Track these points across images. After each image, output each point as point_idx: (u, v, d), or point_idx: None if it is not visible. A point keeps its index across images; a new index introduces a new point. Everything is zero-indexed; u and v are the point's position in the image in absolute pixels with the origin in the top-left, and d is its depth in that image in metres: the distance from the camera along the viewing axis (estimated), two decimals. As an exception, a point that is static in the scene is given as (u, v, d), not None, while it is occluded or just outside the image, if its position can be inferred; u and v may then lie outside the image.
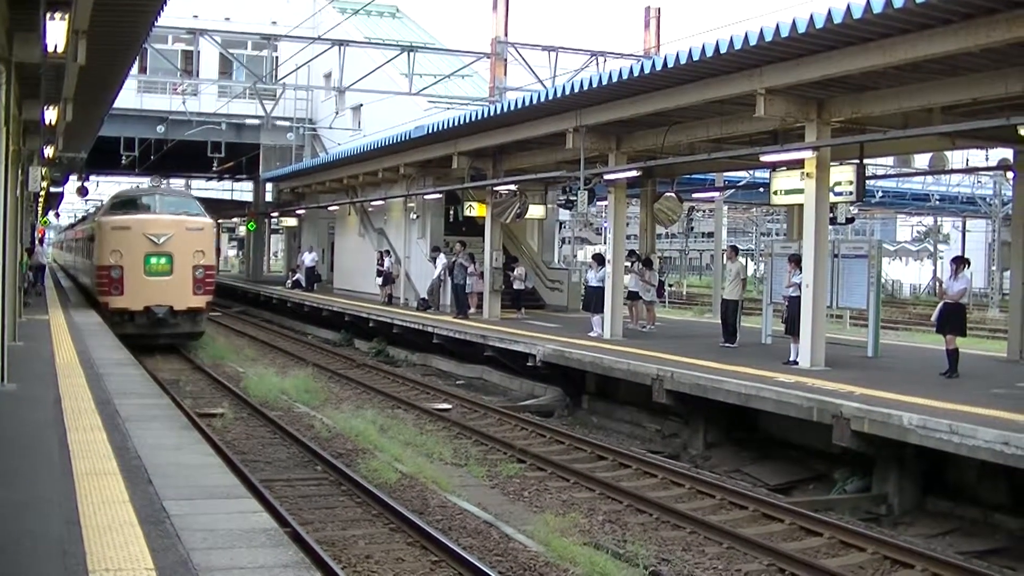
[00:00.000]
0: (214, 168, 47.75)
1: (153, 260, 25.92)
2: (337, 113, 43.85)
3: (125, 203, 28.63)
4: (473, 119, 23.85)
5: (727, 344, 19.80)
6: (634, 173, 21.48)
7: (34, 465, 9.03)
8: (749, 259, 77.65)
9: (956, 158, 43.42)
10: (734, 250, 22.10)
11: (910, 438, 11.65)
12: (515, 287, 28.25)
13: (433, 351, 26.03)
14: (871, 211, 65.96)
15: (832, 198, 16.49)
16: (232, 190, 68.54)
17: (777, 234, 64.05)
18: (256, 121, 43.88)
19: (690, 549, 11.06)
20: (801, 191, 16.70)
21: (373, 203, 35.31)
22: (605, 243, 28.49)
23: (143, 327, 25.66)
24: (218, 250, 49.44)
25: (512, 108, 21.93)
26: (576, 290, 31.47)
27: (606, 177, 21.68)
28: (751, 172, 38.63)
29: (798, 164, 16.78)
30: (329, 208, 41.95)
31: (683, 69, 15.77)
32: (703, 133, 19.47)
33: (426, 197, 30.90)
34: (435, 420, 18.35)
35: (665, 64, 15.82)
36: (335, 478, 13.03)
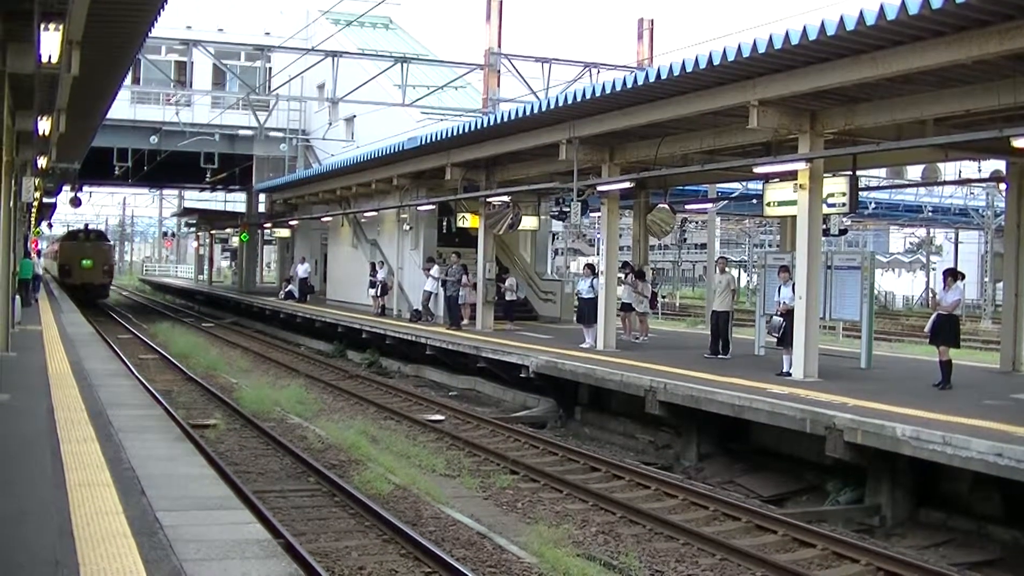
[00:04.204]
0: (207, 179, 47.84)
1: (84, 262, 51.81)
2: (330, 124, 43.92)
3: (73, 234, 57.42)
4: (466, 130, 23.87)
5: (721, 356, 19.77)
6: (627, 184, 21.52)
7: (27, 476, 9.00)
8: (742, 271, 77.89)
9: (948, 170, 43.60)
10: (724, 261, 22.19)
11: (903, 449, 11.65)
12: (506, 298, 28.21)
13: (426, 362, 26.02)
14: (864, 223, 66.21)
15: (825, 209, 16.49)
16: (225, 201, 68.66)
17: (770, 246, 64.12)
18: (249, 132, 43.91)
19: (683, 561, 11.05)
20: (794, 203, 16.70)
21: (366, 214, 35.30)
22: (598, 254, 28.48)
23: (79, 292, 48.59)
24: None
25: (505, 119, 21.94)
26: (569, 301, 31.45)
27: (599, 188, 21.72)
28: (744, 184, 38.78)
29: (791, 176, 16.80)
30: (322, 219, 41.95)
31: (676, 81, 15.80)
32: (696, 144, 19.50)
33: (419, 208, 30.91)
34: (428, 431, 18.32)
35: (658, 76, 15.84)
36: (328, 489, 13.00)
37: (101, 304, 50.96)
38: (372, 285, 32.79)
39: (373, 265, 33.64)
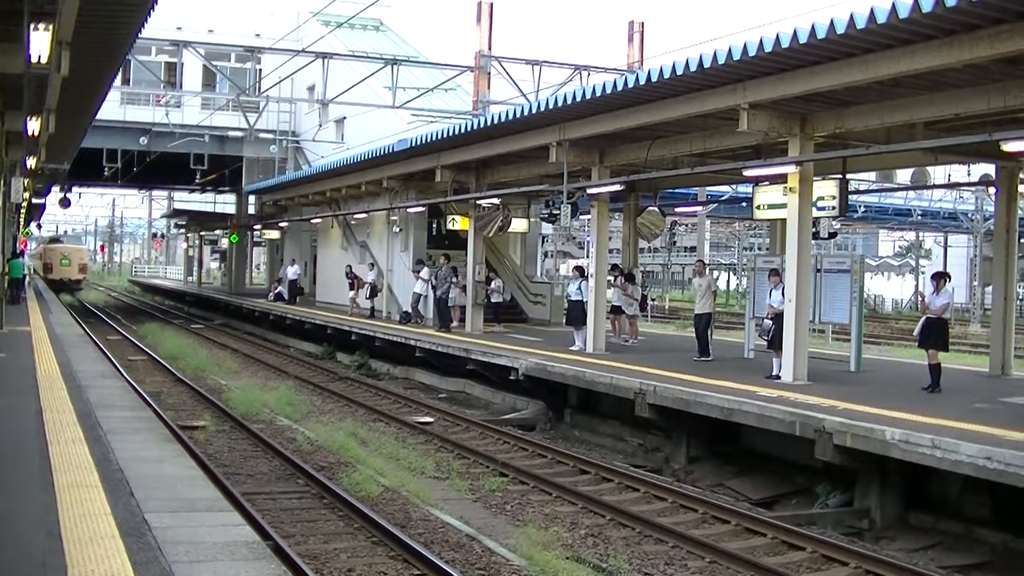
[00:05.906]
0: (197, 180, 47.68)
1: (63, 261, 66.58)
2: (320, 126, 43.81)
3: (54, 240, 74.62)
4: (456, 132, 23.86)
5: (703, 359, 19.77)
6: (617, 187, 21.51)
7: (15, 477, 8.96)
8: (732, 274, 77.94)
9: (938, 173, 43.66)
10: (702, 264, 22.23)
11: (892, 452, 11.67)
12: (492, 299, 28.15)
13: (415, 364, 25.98)
14: (853, 226, 66.39)
15: (815, 213, 16.52)
16: (215, 202, 68.44)
17: (760, 249, 64.21)
18: (239, 133, 43.83)
19: (673, 563, 11.05)
20: (784, 206, 16.73)
21: (356, 216, 35.28)
22: (588, 257, 28.51)
23: (59, 285, 61.91)
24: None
25: (495, 122, 21.93)
26: (559, 304, 31.41)
27: (589, 191, 21.72)
28: (734, 187, 38.82)
29: (781, 179, 16.81)
30: (312, 221, 41.89)
31: (666, 84, 15.81)
32: (686, 147, 19.51)
33: (409, 210, 30.88)
34: (417, 433, 18.29)
35: (648, 79, 15.85)
36: (317, 491, 12.97)
37: (91, 306, 52.73)
38: (351, 287, 32.99)
39: (349, 267, 33.88)
